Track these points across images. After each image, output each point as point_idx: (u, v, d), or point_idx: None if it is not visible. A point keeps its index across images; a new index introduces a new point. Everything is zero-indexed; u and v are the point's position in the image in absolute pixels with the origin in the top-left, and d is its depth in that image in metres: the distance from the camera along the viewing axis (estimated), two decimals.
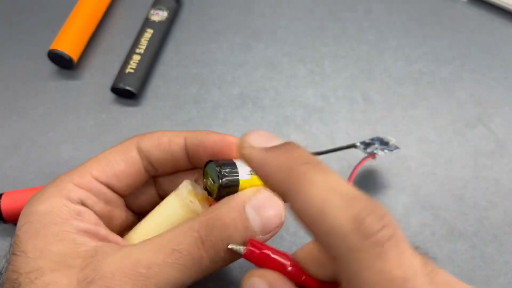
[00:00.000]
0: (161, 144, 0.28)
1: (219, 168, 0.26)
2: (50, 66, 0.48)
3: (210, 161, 0.27)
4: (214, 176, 0.27)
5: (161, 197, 0.31)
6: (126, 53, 0.48)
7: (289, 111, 0.45)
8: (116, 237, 0.27)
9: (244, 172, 0.27)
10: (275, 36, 0.51)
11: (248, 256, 0.25)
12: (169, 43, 0.50)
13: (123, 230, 0.30)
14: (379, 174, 0.41)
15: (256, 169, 0.22)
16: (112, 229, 0.28)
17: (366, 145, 0.37)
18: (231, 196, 0.26)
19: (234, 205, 0.25)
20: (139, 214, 0.32)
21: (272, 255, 0.25)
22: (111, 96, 0.46)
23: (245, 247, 0.25)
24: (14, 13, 0.53)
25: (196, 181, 0.31)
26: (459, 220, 0.39)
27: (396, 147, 0.38)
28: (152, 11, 0.50)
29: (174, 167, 0.30)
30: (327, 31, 0.51)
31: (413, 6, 0.53)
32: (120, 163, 0.28)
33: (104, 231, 0.26)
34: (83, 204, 0.26)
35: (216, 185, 0.26)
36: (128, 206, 0.31)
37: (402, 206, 0.39)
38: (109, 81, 0.46)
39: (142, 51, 0.47)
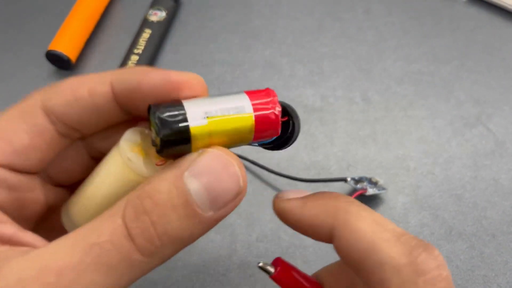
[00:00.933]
0: (78, 100, 0.20)
1: (157, 113, 0.18)
2: (48, 67, 0.48)
3: (149, 106, 0.19)
4: (155, 125, 0.19)
5: (96, 159, 0.23)
6: (124, 53, 0.48)
7: None
8: (29, 236, 0.20)
9: (197, 115, 0.18)
10: (274, 36, 0.51)
11: (276, 278, 0.23)
12: (168, 44, 0.50)
13: (50, 209, 0.24)
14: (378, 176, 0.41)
15: (297, 219, 0.21)
16: (28, 218, 0.22)
17: (356, 181, 0.39)
18: (171, 164, 0.19)
19: (169, 175, 0.18)
20: (70, 185, 0.25)
21: (300, 279, 0.24)
22: None
23: (273, 267, 0.23)
24: (12, 13, 0.52)
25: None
26: (458, 220, 0.39)
27: (384, 188, 0.39)
28: (150, 11, 0.50)
29: (104, 124, 0.22)
30: (326, 31, 0.51)
31: (413, 6, 0.53)
32: (22, 134, 0.20)
33: (9, 229, 0.20)
34: None
35: (158, 138, 0.19)
36: (51, 179, 0.24)
37: (401, 206, 0.39)
38: None
39: (140, 51, 0.47)
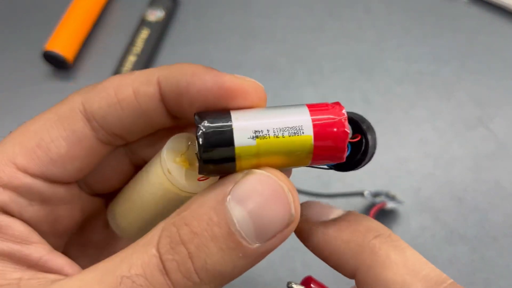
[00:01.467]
0: (122, 102, 0.18)
1: (199, 127, 0.16)
2: (44, 67, 0.47)
3: (195, 113, 0.17)
4: (197, 139, 0.16)
5: (137, 167, 0.22)
6: (122, 53, 0.47)
7: None
8: (59, 259, 0.18)
9: (245, 134, 0.16)
10: (273, 36, 0.50)
11: None
12: (166, 44, 0.50)
13: (85, 223, 0.23)
14: (381, 178, 0.41)
15: (317, 248, 0.19)
16: (61, 234, 0.21)
17: (374, 195, 0.38)
18: (214, 183, 0.17)
19: (209, 199, 0.16)
20: (108, 194, 0.23)
21: None
22: None
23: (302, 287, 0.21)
24: (7, 13, 0.52)
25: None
26: (459, 222, 0.38)
27: (401, 202, 0.39)
28: (148, 11, 0.49)
29: (150, 129, 0.20)
30: (326, 31, 0.51)
31: (413, 6, 0.52)
32: (60, 142, 0.18)
33: (38, 251, 0.18)
34: (5, 211, 0.18)
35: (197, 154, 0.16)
36: (89, 188, 0.22)
37: (402, 208, 0.39)
38: None
39: (138, 51, 0.46)
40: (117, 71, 0.45)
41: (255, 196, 0.16)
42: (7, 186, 0.18)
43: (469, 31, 0.50)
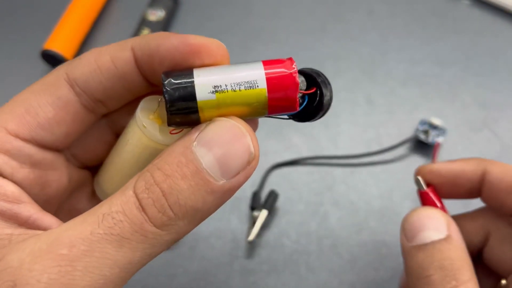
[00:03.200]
0: (101, 67, 0.20)
1: (165, 84, 0.18)
2: (43, 67, 0.46)
3: (162, 73, 0.19)
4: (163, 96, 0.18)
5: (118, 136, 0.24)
6: None
7: None
8: (47, 218, 0.20)
9: (206, 89, 0.18)
10: (275, 37, 0.50)
11: (426, 195, 0.27)
12: None
13: (73, 194, 0.24)
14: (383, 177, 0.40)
15: (447, 169, 0.26)
16: (50, 198, 0.22)
17: (424, 133, 0.41)
18: (183, 134, 0.19)
19: (177, 147, 0.18)
20: (95, 167, 0.25)
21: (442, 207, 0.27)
22: None
23: (426, 186, 0.27)
24: (5, 11, 0.51)
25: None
26: None
27: (444, 130, 0.41)
28: (149, 10, 0.49)
29: (129, 94, 0.21)
30: (328, 32, 0.50)
31: (416, 8, 0.52)
32: (47, 107, 0.20)
33: (28, 210, 0.19)
34: None
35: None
36: (76, 159, 0.24)
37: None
38: None
39: None
40: None
41: (218, 138, 0.18)
42: (0, 150, 0.19)
43: (472, 33, 0.50)
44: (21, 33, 0.49)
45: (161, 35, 0.20)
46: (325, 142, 0.42)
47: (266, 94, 0.18)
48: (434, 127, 0.41)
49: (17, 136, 0.20)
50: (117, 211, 0.17)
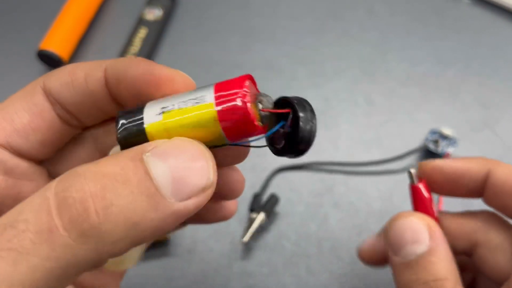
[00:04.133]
0: (74, 81, 0.20)
1: (118, 118, 0.18)
2: (39, 67, 0.46)
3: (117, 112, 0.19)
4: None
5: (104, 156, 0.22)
6: (119, 53, 0.46)
7: None
8: None
9: (153, 112, 0.17)
10: (274, 36, 0.49)
11: (418, 189, 0.26)
12: (164, 43, 0.49)
13: None
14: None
15: (450, 168, 0.26)
16: None
17: (434, 143, 0.40)
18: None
19: (126, 152, 0.16)
20: None
21: (431, 205, 0.26)
22: None
23: (418, 180, 0.26)
24: (1, 11, 0.51)
25: None
26: None
27: (455, 140, 0.40)
28: (146, 10, 0.48)
29: (102, 114, 0.21)
30: (328, 31, 0.50)
31: (416, 7, 0.51)
32: (21, 112, 0.20)
33: None
34: None
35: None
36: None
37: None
38: None
39: (136, 51, 0.45)
40: None
41: (177, 152, 0.16)
42: None
43: (473, 33, 0.49)
44: (17, 33, 0.49)
45: (130, 61, 0.19)
46: (325, 143, 0.42)
47: (214, 107, 0.16)
48: (444, 137, 0.40)
49: None
50: (23, 219, 0.14)
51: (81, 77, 0.20)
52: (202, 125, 0.16)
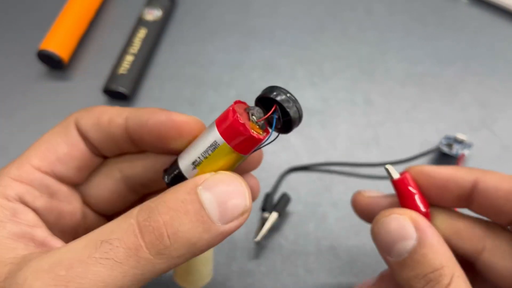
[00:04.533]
0: (100, 124, 0.24)
1: (164, 174, 0.24)
2: (39, 67, 0.46)
3: (163, 170, 0.25)
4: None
5: (132, 189, 0.28)
6: (118, 53, 0.46)
7: None
8: (58, 242, 0.23)
9: (188, 168, 0.22)
10: (272, 36, 0.49)
11: (399, 183, 0.26)
12: (164, 43, 0.49)
13: (88, 231, 0.27)
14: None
15: (436, 174, 0.26)
16: (64, 230, 0.25)
17: (448, 146, 0.40)
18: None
19: (183, 187, 0.21)
20: (111, 215, 0.28)
21: (416, 196, 0.26)
22: (103, 97, 0.44)
23: (398, 174, 0.26)
24: (1, 11, 0.51)
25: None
26: None
27: (470, 145, 0.40)
28: (146, 10, 0.48)
29: (119, 150, 0.26)
30: (327, 31, 0.50)
31: (414, 6, 0.52)
32: (62, 145, 0.24)
33: (42, 233, 0.22)
34: (21, 201, 0.23)
35: None
36: (92, 204, 0.27)
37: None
38: (101, 82, 0.45)
39: (135, 51, 0.45)
40: (114, 71, 0.44)
41: (222, 185, 0.21)
42: (24, 181, 0.23)
43: (471, 32, 0.49)
44: (17, 33, 0.49)
45: (152, 111, 0.24)
46: (324, 142, 0.42)
47: (228, 145, 0.21)
48: (459, 142, 0.40)
49: (39, 169, 0.23)
50: (116, 238, 0.19)
51: (105, 121, 0.24)
52: (227, 158, 0.21)
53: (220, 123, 0.21)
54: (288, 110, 0.21)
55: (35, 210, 0.23)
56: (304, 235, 0.37)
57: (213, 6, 0.52)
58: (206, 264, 0.30)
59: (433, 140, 0.42)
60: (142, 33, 0.46)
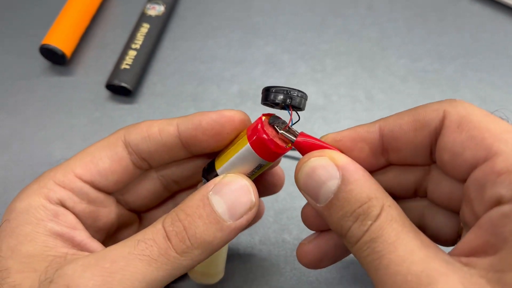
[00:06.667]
0: (150, 136, 0.26)
1: (204, 175, 0.27)
2: (42, 62, 0.46)
3: (203, 169, 0.28)
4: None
5: (166, 188, 0.30)
6: (121, 48, 0.46)
7: None
8: (95, 244, 0.25)
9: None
10: (275, 32, 0.50)
11: (300, 143, 0.24)
12: (166, 39, 0.49)
13: (119, 228, 0.30)
14: None
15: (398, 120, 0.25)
16: (100, 230, 0.28)
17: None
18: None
19: (197, 195, 0.24)
20: (143, 211, 0.31)
21: (321, 143, 0.25)
22: (105, 93, 0.45)
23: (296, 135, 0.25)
24: (4, 6, 0.51)
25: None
26: None
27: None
28: (148, 5, 0.49)
29: (170, 158, 0.28)
30: (328, 27, 0.50)
31: (415, 3, 0.52)
32: (105, 159, 0.26)
33: (81, 235, 0.25)
34: (62, 204, 0.25)
35: None
36: (126, 203, 0.30)
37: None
38: (103, 78, 0.45)
39: (138, 46, 0.45)
40: (117, 66, 0.44)
41: (229, 187, 0.24)
42: (67, 187, 0.25)
43: (473, 29, 0.50)
44: (20, 28, 0.49)
45: (200, 113, 0.26)
46: None
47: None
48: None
49: (81, 178, 0.26)
50: (149, 238, 0.23)
51: (155, 132, 0.26)
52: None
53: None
54: (298, 105, 0.25)
55: (75, 214, 0.26)
56: (307, 229, 0.37)
57: (215, 2, 0.52)
58: (221, 261, 0.32)
59: None
60: (144, 28, 0.47)
